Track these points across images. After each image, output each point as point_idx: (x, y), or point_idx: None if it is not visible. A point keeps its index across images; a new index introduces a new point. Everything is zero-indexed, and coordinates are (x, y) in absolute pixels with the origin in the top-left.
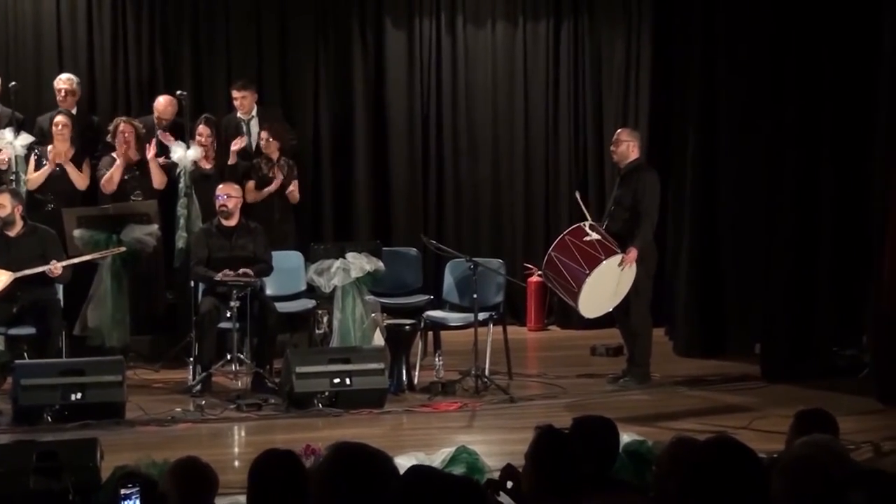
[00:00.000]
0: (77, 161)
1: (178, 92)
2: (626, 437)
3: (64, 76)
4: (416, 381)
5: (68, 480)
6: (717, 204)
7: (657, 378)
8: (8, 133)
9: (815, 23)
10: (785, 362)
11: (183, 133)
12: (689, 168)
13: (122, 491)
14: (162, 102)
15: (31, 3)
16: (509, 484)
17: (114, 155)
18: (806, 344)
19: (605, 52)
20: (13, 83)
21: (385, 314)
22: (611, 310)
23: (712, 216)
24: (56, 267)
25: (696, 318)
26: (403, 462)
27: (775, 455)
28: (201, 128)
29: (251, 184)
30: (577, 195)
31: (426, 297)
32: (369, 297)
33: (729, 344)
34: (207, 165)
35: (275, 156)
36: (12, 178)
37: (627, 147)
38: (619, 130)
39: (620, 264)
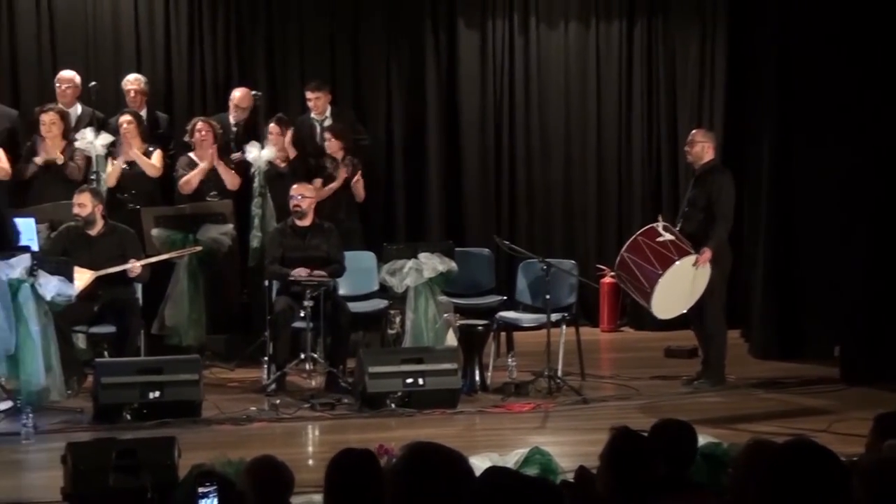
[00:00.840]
0: (146, 154)
1: (253, 92)
2: (700, 440)
3: (132, 76)
4: (488, 381)
5: (147, 478)
6: (795, 204)
7: (732, 380)
8: (89, 133)
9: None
10: (865, 365)
11: (258, 133)
12: (765, 168)
13: (200, 489)
14: (239, 95)
15: (109, 5)
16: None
17: (191, 155)
18: (886, 346)
19: (680, 53)
20: (93, 83)
21: (458, 315)
22: (685, 311)
23: (789, 217)
24: (136, 266)
25: (773, 320)
26: (477, 463)
27: (855, 458)
28: (272, 126)
29: (318, 182)
30: (660, 226)
31: (499, 297)
32: (442, 298)
33: (807, 346)
34: (282, 165)
35: (339, 155)
36: (93, 177)
37: (702, 148)
38: (693, 131)
39: (694, 265)
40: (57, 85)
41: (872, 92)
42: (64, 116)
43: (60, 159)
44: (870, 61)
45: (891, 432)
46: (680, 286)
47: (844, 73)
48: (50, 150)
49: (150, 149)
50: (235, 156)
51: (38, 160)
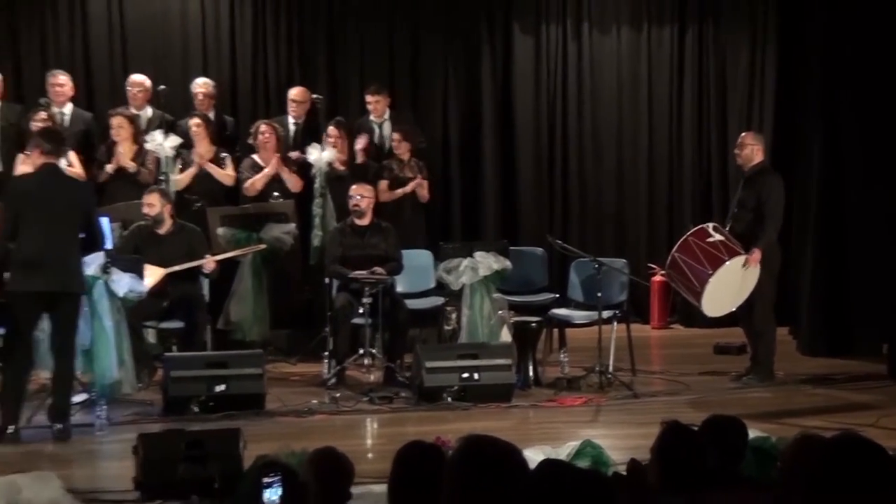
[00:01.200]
0: (217, 160)
1: (315, 95)
2: (749, 434)
3: (200, 80)
4: (542, 376)
5: (214, 468)
6: (843, 205)
7: (781, 376)
8: (158, 135)
9: None
10: None
11: (318, 135)
12: (814, 170)
13: (265, 479)
14: (295, 91)
15: (178, 11)
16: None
17: (254, 157)
18: None
19: (730, 57)
20: (162, 86)
21: (512, 311)
22: (734, 309)
23: (838, 217)
24: (210, 261)
25: (821, 317)
26: (531, 455)
27: None
28: (331, 129)
29: (384, 184)
30: (711, 227)
31: (552, 295)
32: (497, 295)
33: (855, 344)
34: (342, 167)
35: (406, 157)
36: (161, 178)
37: (752, 150)
38: (743, 134)
39: (744, 265)
40: (128, 88)
41: None
42: (133, 120)
43: (132, 167)
44: None
45: None
46: (730, 285)
47: (891, 75)
48: (122, 156)
49: (222, 155)
50: (295, 154)
51: (110, 168)
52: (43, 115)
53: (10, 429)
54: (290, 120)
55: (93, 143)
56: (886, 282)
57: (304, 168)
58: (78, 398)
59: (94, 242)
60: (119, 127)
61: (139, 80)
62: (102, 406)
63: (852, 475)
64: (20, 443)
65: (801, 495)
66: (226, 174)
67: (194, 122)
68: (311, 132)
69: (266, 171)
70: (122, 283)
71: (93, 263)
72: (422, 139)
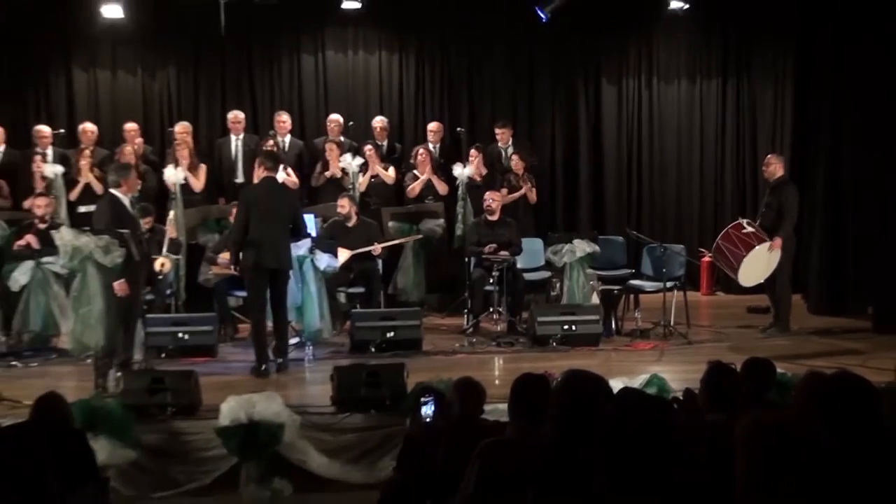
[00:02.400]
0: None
1: (458, 128)
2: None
3: (378, 118)
4: (621, 328)
5: (386, 391)
6: (841, 207)
7: (795, 329)
8: (348, 157)
9: None
10: (890, 319)
11: (462, 156)
12: (819, 181)
13: (422, 399)
14: (434, 125)
15: (363, 67)
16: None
17: (414, 171)
18: None
19: (759, 99)
20: (351, 122)
21: (600, 282)
22: (762, 281)
23: (837, 215)
24: (377, 248)
25: (824, 287)
26: (613, 384)
27: (883, 385)
28: (472, 151)
29: (504, 191)
30: (745, 222)
31: (629, 270)
32: (589, 271)
33: (849, 306)
34: (478, 178)
35: (520, 171)
36: (350, 187)
37: (775, 167)
38: (769, 156)
39: (769, 249)
40: (328, 124)
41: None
42: (339, 145)
43: (339, 174)
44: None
45: None
46: (758, 263)
47: (881, 114)
48: (332, 168)
49: (385, 166)
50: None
51: (328, 174)
52: (270, 142)
53: (263, 367)
54: (430, 146)
55: (303, 162)
56: (872, 262)
57: (450, 179)
58: (293, 341)
59: (299, 232)
60: (330, 150)
61: (335, 118)
62: (309, 346)
63: (847, 402)
64: (264, 376)
65: (811, 414)
66: (388, 175)
67: (367, 148)
68: (455, 153)
69: (421, 178)
70: (323, 260)
71: (303, 247)
72: (534, 159)
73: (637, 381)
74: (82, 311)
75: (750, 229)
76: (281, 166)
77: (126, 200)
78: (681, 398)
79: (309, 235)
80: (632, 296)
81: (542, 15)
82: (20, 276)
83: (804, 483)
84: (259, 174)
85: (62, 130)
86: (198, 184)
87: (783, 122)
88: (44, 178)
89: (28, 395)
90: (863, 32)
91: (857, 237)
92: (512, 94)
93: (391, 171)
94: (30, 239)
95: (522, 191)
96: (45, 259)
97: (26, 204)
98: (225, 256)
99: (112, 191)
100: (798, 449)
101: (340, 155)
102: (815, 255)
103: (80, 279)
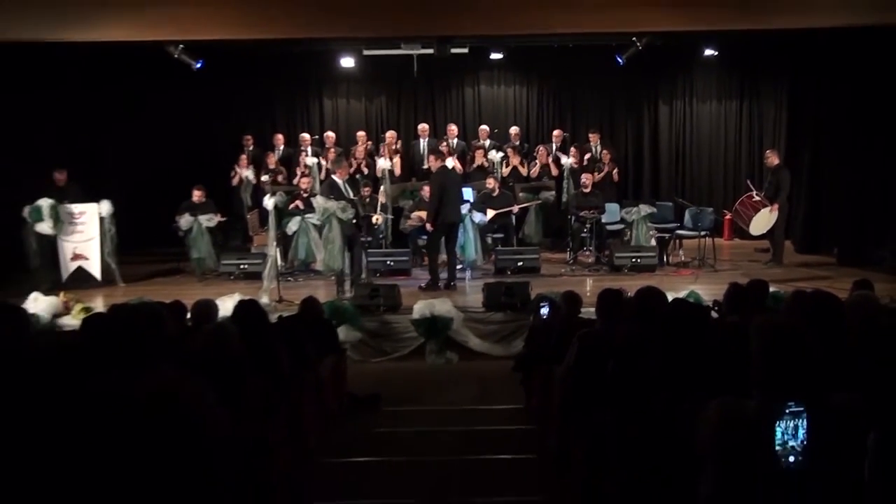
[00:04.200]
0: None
1: (564, 133)
2: (772, 289)
3: (514, 128)
4: (669, 261)
5: (517, 299)
6: (820, 186)
7: (786, 263)
8: (493, 152)
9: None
10: (849, 257)
11: (567, 152)
12: (805, 166)
13: (541, 304)
14: (557, 132)
15: (503, 94)
16: (715, 307)
17: (537, 161)
18: (859, 248)
19: (765, 114)
20: (496, 130)
21: (655, 231)
22: (765, 231)
23: (815, 187)
24: (515, 208)
25: (806, 235)
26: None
27: (843, 298)
28: (572, 150)
29: (596, 173)
30: (749, 182)
31: (676, 224)
32: (649, 224)
33: (821, 247)
34: (576, 165)
35: (606, 160)
36: (494, 171)
37: (772, 158)
38: (767, 150)
39: (770, 211)
40: (480, 132)
41: (863, 127)
42: (481, 147)
43: (485, 164)
44: (862, 118)
45: (859, 286)
46: (763, 220)
47: (850, 121)
48: (478, 161)
49: (521, 161)
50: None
51: (475, 164)
52: (444, 143)
53: (435, 284)
54: (553, 146)
55: (465, 156)
56: (837, 218)
57: (558, 165)
58: (458, 267)
59: (462, 199)
60: (476, 151)
61: (484, 128)
62: (468, 270)
63: (822, 311)
64: (437, 290)
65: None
66: (522, 168)
67: (510, 149)
68: (560, 149)
69: (540, 166)
70: (477, 217)
71: (465, 208)
72: (614, 153)
73: (681, 295)
74: (329, 247)
75: (757, 198)
76: (449, 158)
77: (340, 181)
78: (711, 305)
79: (467, 201)
80: (677, 240)
81: (619, 60)
82: (292, 225)
83: (795, 361)
84: (435, 164)
85: (316, 136)
86: (397, 170)
87: (780, 127)
88: (306, 165)
89: (297, 297)
90: (837, 70)
91: (828, 201)
92: (599, 112)
93: (525, 167)
94: (298, 203)
95: (609, 172)
96: (307, 215)
97: (296, 181)
98: (419, 214)
99: (333, 176)
100: (790, 338)
101: (485, 153)
102: (801, 214)
103: (327, 227)
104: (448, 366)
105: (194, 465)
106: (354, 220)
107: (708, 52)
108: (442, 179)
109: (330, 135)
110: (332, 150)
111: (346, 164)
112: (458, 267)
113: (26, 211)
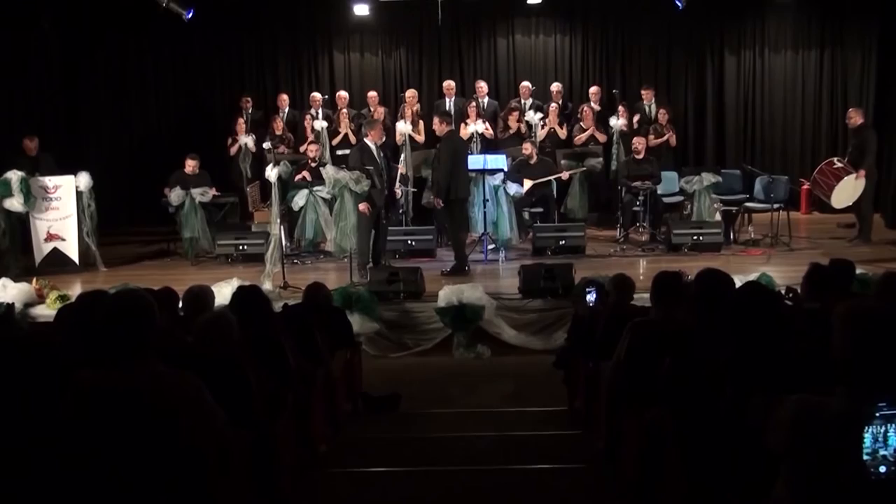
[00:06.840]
0: (559, 124)
1: (613, 90)
2: (859, 270)
3: (555, 84)
4: (738, 238)
5: (558, 282)
6: None
7: (875, 240)
8: (531, 112)
9: None
10: None
11: (615, 111)
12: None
13: (587, 289)
14: (594, 88)
15: (542, 45)
16: (789, 295)
17: (581, 125)
18: None
19: (851, 64)
20: (534, 87)
21: (720, 203)
22: (850, 203)
23: None
24: (564, 175)
25: None
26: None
27: None
28: (620, 108)
29: (650, 137)
30: (836, 159)
31: (745, 195)
32: (713, 195)
33: None
34: (625, 128)
35: (663, 122)
36: (532, 136)
37: (855, 118)
38: (849, 109)
39: (856, 178)
40: (521, 89)
41: None
42: (515, 108)
43: (522, 129)
44: None
45: None
46: (847, 190)
47: None
48: (511, 125)
49: (561, 122)
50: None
51: (511, 131)
52: (472, 104)
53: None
54: (592, 104)
55: (497, 117)
56: None
57: (606, 127)
58: (490, 247)
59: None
60: (509, 112)
61: (526, 84)
62: (502, 251)
63: None
64: (465, 274)
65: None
66: (562, 131)
67: (552, 108)
68: (608, 109)
69: (588, 132)
70: (512, 188)
71: (497, 178)
72: (671, 112)
73: (751, 277)
74: (341, 224)
75: (840, 164)
76: (480, 119)
77: (373, 146)
78: (784, 293)
79: (501, 170)
80: (746, 215)
81: (678, 3)
82: (299, 199)
83: (887, 355)
84: (442, 129)
85: (326, 96)
86: (419, 136)
87: (868, 82)
88: (314, 130)
89: (305, 283)
90: None
91: None
92: (654, 64)
93: (563, 129)
94: (305, 174)
95: (666, 136)
96: (315, 188)
97: (302, 149)
98: None
99: (365, 140)
100: (883, 326)
101: (521, 115)
102: (892, 183)
103: (339, 202)
104: (478, 361)
105: (188, 470)
106: (387, 192)
107: None
108: (454, 146)
109: (342, 94)
110: (345, 111)
111: (380, 125)
112: (490, 247)
113: None
